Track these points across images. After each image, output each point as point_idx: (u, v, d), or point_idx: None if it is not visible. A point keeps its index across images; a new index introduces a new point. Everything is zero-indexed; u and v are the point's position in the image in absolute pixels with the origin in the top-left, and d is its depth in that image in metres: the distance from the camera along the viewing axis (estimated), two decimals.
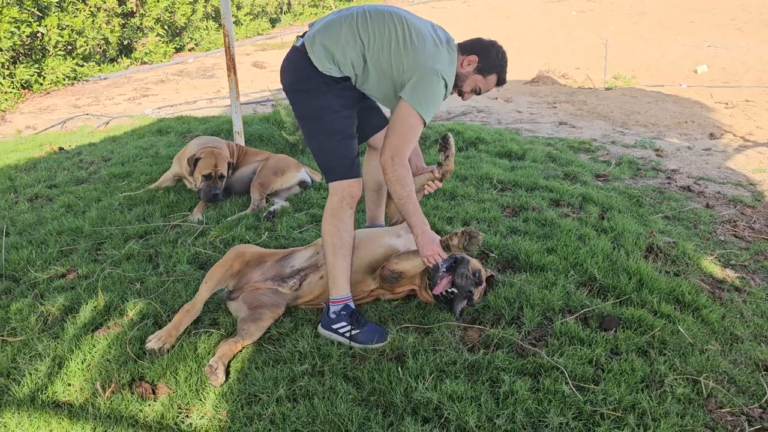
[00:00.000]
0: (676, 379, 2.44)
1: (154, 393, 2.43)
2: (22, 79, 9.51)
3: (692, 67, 10.17)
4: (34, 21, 9.58)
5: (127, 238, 3.79)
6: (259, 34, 16.29)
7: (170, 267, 3.40)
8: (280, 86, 2.89)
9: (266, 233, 3.77)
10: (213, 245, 3.65)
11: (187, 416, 2.31)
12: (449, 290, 2.80)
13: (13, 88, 9.26)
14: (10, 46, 9.07)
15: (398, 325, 2.82)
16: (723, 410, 2.31)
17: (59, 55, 10.25)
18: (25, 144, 6.68)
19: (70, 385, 2.48)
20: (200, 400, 2.38)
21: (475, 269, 2.90)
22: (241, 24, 15.83)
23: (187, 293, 3.08)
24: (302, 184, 4.57)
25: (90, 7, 10.86)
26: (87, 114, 8.30)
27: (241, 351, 2.63)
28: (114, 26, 11.41)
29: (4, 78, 9.09)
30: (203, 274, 3.24)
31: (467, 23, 15.84)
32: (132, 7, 11.96)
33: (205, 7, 13.88)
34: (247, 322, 2.71)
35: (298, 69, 2.74)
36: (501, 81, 2.91)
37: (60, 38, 10.06)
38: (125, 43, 12.10)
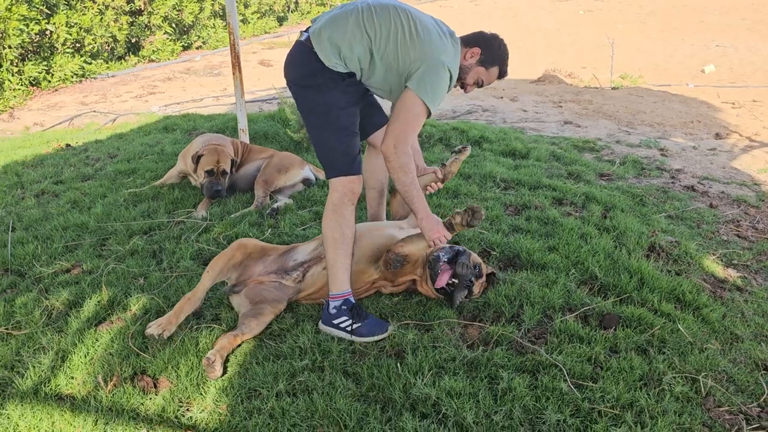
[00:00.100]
0: (674, 377, 2.44)
1: (155, 387, 2.45)
2: (31, 77, 9.58)
3: (700, 66, 10.13)
4: (43, 18, 9.65)
5: (131, 234, 3.82)
6: (266, 33, 16.33)
7: (173, 263, 3.43)
8: (286, 84, 2.90)
9: (269, 230, 3.79)
10: (216, 241, 3.67)
11: (187, 410, 2.33)
12: (450, 282, 2.83)
13: (21, 85, 9.33)
14: (19, 44, 9.14)
15: (398, 321, 2.83)
16: (721, 409, 2.31)
17: (67, 52, 10.32)
18: (32, 140, 6.74)
19: (72, 378, 2.51)
20: (201, 394, 2.40)
21: (476, 262, 2.92)
22: (249, 22, 15.88)
23: (190, 288, 3.09)
24: (306, 181, 4.59)
25: (98, 4, 10.92)
26: (94, 111, 8.36)
27: (240, 345, 2.65)
28: (122, 24, 11.47)
29: (12, 75, 9.16)
30: (204, 269, 3.27)
31: (474, 22, 15.82)
32: (140, 5, 12.02)
33: (212, 5, 13.93)
34: (248, 317, 2.73)
35: (303, 63, 2.74)
36: (503, 73, 2.94)
37: (68, 36, 10.13)
38: (133, 41, 12.17)
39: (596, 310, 2.88)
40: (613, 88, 8.90)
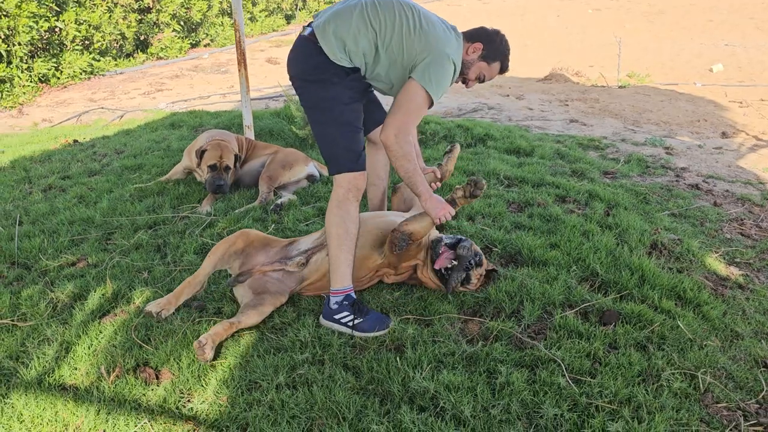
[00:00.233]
0: (673, 373, 2.44)
1: (157, 378, 2.48)
2: (40, 73, 9.66)
3: (708, 65, 10.08)
4: (52, 16, 9.72)
5: (136, 229, 3.85)
6: (274, 31, 16.38)
7: (177, 257, 3.46)
8: (289, 80, 2.91)
9: (273, 225, 3.81)
10: (220, 236, 3.69)
11: (188, 401, 2.36)
12: (449, 265, 2.88)
13: (30, 81, 9.41)
14: (29, 41, 9.21)
15: (399, 316, 2.85)
16: (719, 405, 2.31)
17: (76, 49, 10.39)
18: (40, 136, 6.80)
19: (76, 369, 2.54)
20: (202, 385, 2.43)
21: (477, 251, 2.96)
22: (257, 20, 15.94)
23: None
24: (310, 177, 4.61)
25: (107, 2, 10.99)
26: (102, 108, 8.42)
27: (236, 334, 2.68)
28: (130, 21, 11.54)
29: (22, 72, 9.23)
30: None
31: (482, 21, 15.79)
32: (148, 3, 12.09)
33: (220, 3, 14.00)
34: (247, 307, 2.77)
35: (307, 58, 2.74)
36: (504, 68, 2.95)
37: (77, 33, 10.20)
38: (141, 38, 12.24)
39: (596, 306, 2.89)
40: (620, 87, 8.87)
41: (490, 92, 8.75)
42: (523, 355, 2.54)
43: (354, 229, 2.80)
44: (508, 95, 8.57)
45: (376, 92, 3.04)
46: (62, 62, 10.06)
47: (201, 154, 4.32)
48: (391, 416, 2.22)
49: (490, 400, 2.28)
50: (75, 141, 6.33)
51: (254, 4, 15.96)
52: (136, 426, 2.22)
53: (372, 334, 2.70)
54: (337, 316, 2.75)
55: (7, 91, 8.89)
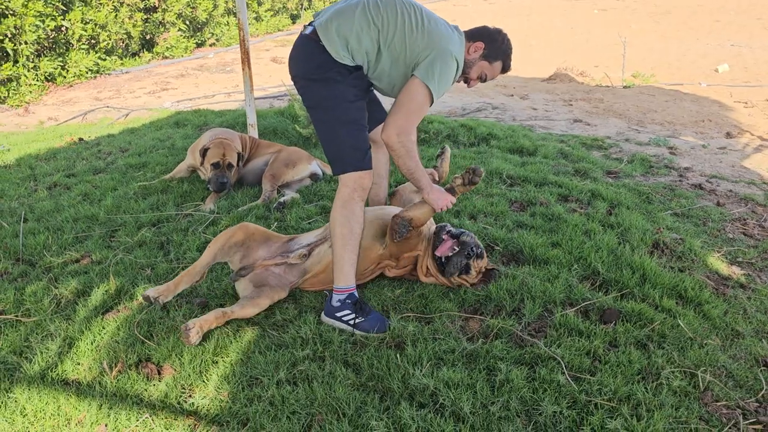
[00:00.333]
0: (673, 371, 2.44)
1: (159, 373, 2.50)
2: (46, 72, 9.71)
3: (713, 66, 10.06)
4: (59, 15, 9.78)
5: (140, 226, 3.88)
6: (279, 30, 16.42)
7: (180, 254, 3.48)
8: (291, 80, 2.90)
9: (275, 223, 3.83)
10: None
11: (189, 396, 2.37)
12: (451, 253, 2.92)
13: (37, 80, 9.46)
14: (35, 40, 9.26)
15: (400, 314, 2.86)
16: (719, 403, 2.31)
17: (82, 48, 10.45)
18: (46, 134, 6.84)
19: (79, 364, 2.56)
20: (203, 381, 2.44)
21: (479, 244, 3.00)
22: (262, 20, 15.97)
23: None
24: (313, 176, 4.63)
25: (113, 1, 11.04)
26: (107, 106, 8.46)
27: (237, 330, 2.70)
28: (136, 21, 11.59)
29: (28, 71, 9.29)
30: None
31: (488, 21, 15.77)
32: (154, 2, 12.14)
33: (226, 2, 14.03)
34: (244, 299, 2.80)
35: (310, 57, 2.73)
36: (506, 68, 2.95)
37: (83, 32, 10.25)
38: (147, 37, 12.29)
39: (597, 305, 2.89)
40: (625, 87, 8.86)
41: (495, 92, 8.75)
42: (523, 352, 2.55)
43: (358, 229, 2.79)
44: (512, 95, 8.57)
45: (375, 92, 3.05)
46: (68, 61, 10.12)
47: (204, 152, 4.34)
48: (391, 412, 2.23)
49: (490, 397, 2.29)
50: (80, 139, 6.37)
51: (260, 4, 16.00)
52: (137, 420, 2.24)
53: (371, 335, 2.71)
54: (338, 314, 2.76)
55: (14, 89, 8.95)
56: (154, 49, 12.36)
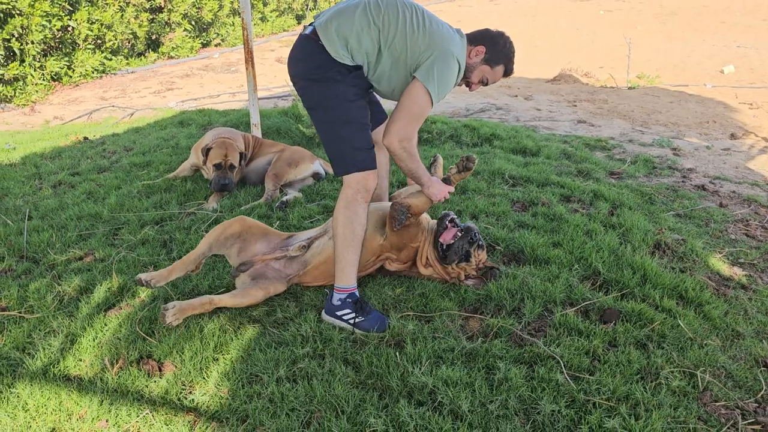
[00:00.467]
0: (672, 371, 2.45)
1: (160, 370, 2.52)
2: (53, 72, 9.77)
3: (719, 67, 10.03)
4: (65, 15, 9.83)
5: (143, 224, 3.90)
6: (284, 31, 16.45)
7: (183, 253, 3.48)
8: (290, 80, 2.90)
9: (278, 222, 3.85)
10: None
11: (190, 392, 2.39)
12: (453, 241, 2.97)
13: (43, 80, 9.52)
14: (42, 39, 9.32)
15: (400, 312, 2.87)
16: (718, 404, 2.31)
17: (89, 48, 10.50)
18: (51, 133, 6.88)
19: (81, 360, 2.58)
20: (203, 378, 2.46)
21: (481, 238, 3.05)
22: (268, 20, 16.01)
23: (197, 278, 3.17)
24: (316, 175, 4.64)
25: (119, 1, 11.10)
26: (113, 106, 8.50)
27: (239, 328, 2.71)
28: (142, 21, 11.64)
29: (35, 70, 9.34)
30: (214, 260, 3.35)
31: (493, 22, 15.79)
32: (160, 3, 12.19)
33: (231, 3, 14.07)
34: (237, 289, 2.85)
35: (309, 57, 2.72)
36: (508, 72, 2.93)
37: (89, 32, 10.30)
38: (153, 37, 12.34)
39: (597, 305, 2.89)
40: (630, 88, 8.85)
41: (499, 92, 8.75)
42: (522, 351, 2.56)
43: (361, 231, 2.80)
44: (516, 96, 8.57)
45: (377, 95, 3.05)
46: (74, 61, 10.17)
47: (206, 152, 4.36)
48: (389, 410, 2.24)
49: (488, 396, 2.30)
50: (85, 138, 6.41)
51: (265, 4, 16.03)
52: (138, 416, 2.26)
53: (371, 333, 2.72)
54: (339, 313, 2.77)
55: (20, 89, 9.01)
56: (159, 49, 12.41)
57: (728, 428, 2.19)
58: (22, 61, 9.12)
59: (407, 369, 2.43)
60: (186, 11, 12.61)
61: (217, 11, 13.59)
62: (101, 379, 2.45)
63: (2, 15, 8.71)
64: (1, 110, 8.62)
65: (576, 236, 3.53)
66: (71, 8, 10.05)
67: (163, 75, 10.94)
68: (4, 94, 8.84)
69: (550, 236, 3.58)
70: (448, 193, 2.96)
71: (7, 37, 8.75)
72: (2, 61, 8.87)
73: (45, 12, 9.18)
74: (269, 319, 2.82)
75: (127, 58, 11.57)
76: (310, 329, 2.72)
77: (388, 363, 2.48)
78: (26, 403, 2.32)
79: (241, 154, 4.44)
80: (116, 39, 11.11)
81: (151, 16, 12.02)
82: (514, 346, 2.60)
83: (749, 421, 2.23)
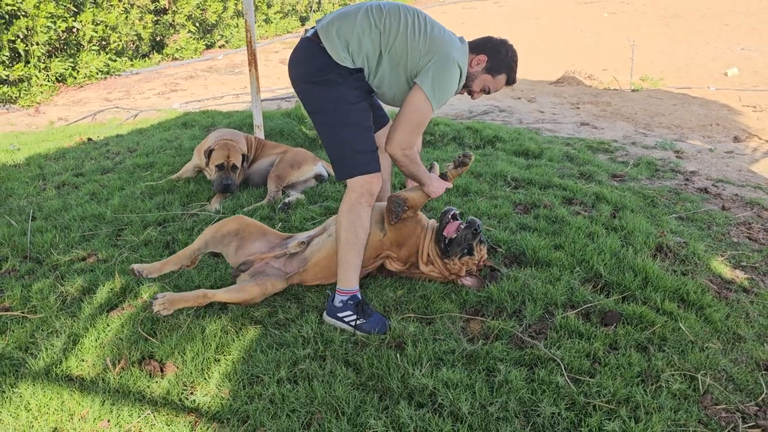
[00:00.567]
0: (673, 374, 2.45)
1: (161, 371, 2.53)
2: (57, 73, 9.81)
3: (723, 69, 10.01)
4: (70, 16, 9.87)
5: (146, 225, 3.91)
6: (288, 32, 16.48)
7: None
8: (291, 83, 2.89)
9: (280, 224, 3.86)
10: None
11: (191, 393, 2.40)
12: (455, 234, 2.99)
13: (48, 81, 9.56)
14: (46, 41, 9.36)
15: (401, 314, 2.87)
16: (718, 407, 2.31)
17: (93, 50, 10.54)
18: (56, 134, 6.91)
19: (83, 360, 2.59)
20: (205, 379, 2.47)
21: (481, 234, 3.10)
22: (271, 22, 16.04)
23: (200, 278, 3.18)
24: (318, 177, 4.65)
25: (124, 3, 11.14)
26: (117, 107, 8.54)
27: (240, 329, 2.72)
28: (147, 23, 11.68)
29: (39, 71, 9.39)
30: (216, 261, 3.36)
31: (496, 24, 15.80)
32: (165, 4, 12.22)
33: (236, 4, 14.11)
34: (233, 285, 2.90)
35: (310, 60, 2.72)
36: (510, 81, 2.92)
37: (94, 33, 10.35)
38: (157, 39, 12.38)
39: (598, 307, 2.89)
40: (633, 90, 8.84)
41: (502, 95, 8.75)
42: (522, 354, 2.56)
43: (364, 235, 2.80)
44: (519, 98, 8.57)
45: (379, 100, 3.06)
46: (79, 62, 10.21)
47: (209, 153, 4.38)
48: (390, 412, 2.25)
49: (488, 398, 2.30)
50: (89, 139, 6.43)
51: (269, 6, 16.07)
52: (139, 417, 2.27)
53: (372, 335, 2.72)
54: (340, 314, 2.77)
55: (25, 90, 9.05)
56: (163, 51, 12.45)
57: (728, 431, 2.19)
58: (27, 62, 9.17)
59: (408, 371, 2.44)
60: (190, 13, 12.65)
61: (221, 13, 13.63)
62: (103, 380, 2.46)
63: (7, 16, 8.76)
64: (6, 111, 8.67)
65: (578, 239, 3.53)
66: (76, 10, 10.09)
67: (167, 76, 10.98)
68: (9, 95, 8.89)
69: (551, 238, 3.58)
70: (445, 188, 3.01)
71: (13, 38, 8.80)
72: (7, 62, 8.92)
73: (50, 13, 9.23)
74: (271, 320, 2.83)
75: (131, 60, 11.61)
76: (311, 330, 2.73)
77: (389, 365, 2.48)
78: (28, 403, 2.33)
79: (243, 155, 4.45)
80: (121, 40, 11.15)
81: (155, 18, 12.06)
82: (515, 349, 2.61)
83: (750, 424, 2.23)
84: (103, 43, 10.88)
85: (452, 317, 2.85)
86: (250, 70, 5.21)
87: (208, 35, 13.70)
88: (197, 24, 13.16)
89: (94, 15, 10.30)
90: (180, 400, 2.36)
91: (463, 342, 2.64)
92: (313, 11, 18.32)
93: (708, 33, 13.74)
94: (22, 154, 5.87)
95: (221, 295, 2.83)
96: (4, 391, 2.39)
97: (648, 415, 2.21)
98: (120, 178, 4.87)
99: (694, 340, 2.66)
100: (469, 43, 2.85)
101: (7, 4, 8.58)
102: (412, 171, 2.85)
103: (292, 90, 8.76)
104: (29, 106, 8.88)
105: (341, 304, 2.78)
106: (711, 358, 2.55)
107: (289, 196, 4.32)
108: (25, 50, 9.03)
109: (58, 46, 10.07)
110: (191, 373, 2.49)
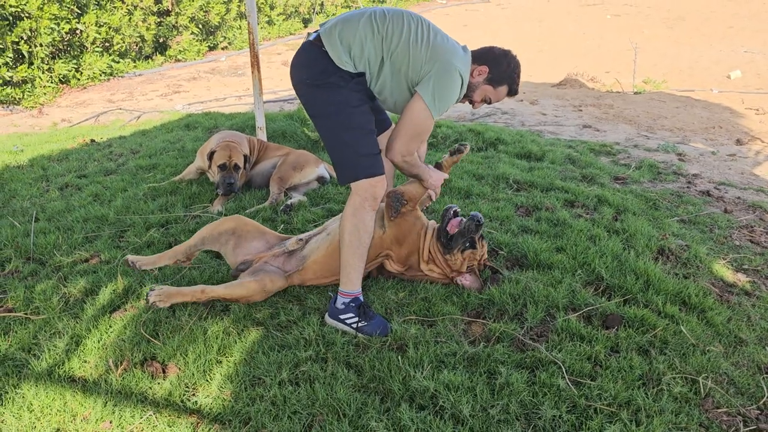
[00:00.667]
0: (674, 378, 2.45)
1: (164, 372, 2.53)
2: (60, 74, 9.83)
3: (726, 72, 10.00)
4: (73, 18, 9.90)
5: (148, 227, 3.92)
6: (291, 34, 16.50)
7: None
8: (293, 87, 2.88)
9: (282, 226, 3.87)
10: None
11: (193, 395, 2.41)
12: (458, 229, 3.02)
13: (51, 82, 9.59)
14: (50, 42, 9.39)
15: (403, 316, 2.88)
16: (719, 410, 2.31)
17: (96, 51, 10.56)
18: (59, 136, 6.93)
19: (85, 361, 2.60)
20: (207, 380, 2.48)
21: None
22: (274, 24, 16.06)
23: (202, 279, 3.19)
24: (320, 179, 4.66)
25: (127, 5, 11.16)
26: (120, 108, 8.56)
27: (242, 331, 2.73)
28: (150, 24, 11.71)
29: (43, 73, 9.41)
30: (219, 262, 3.37)
31: (499, 26, 15.81)
32: (168, 6, 12.25)
33: (238, 6, 14.13)
34: (233, 281, 2.93)
35: (312, 63, 2.72)
36: (512, 92, 2.92)
37: (97, 35, 10.37)
38: (160, 40, 12.40)
39: (600, 310, 2.90)
40: (636, 93, 8.84)
41: None
42: (524, 356, 2.56)
43: (367, 239, 2.80)
44: (521, 100, 8.57)
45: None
46: (82, 63, 10.24)
47: (211, 155, 4.40)
48: (391, 414, 2.25)
49: (490, 400, 2.30)
50: (92, 141, 6.45)
51: (272, 8, 16.08)
52: (141, 418, 2.27)
53: (373, 337, 2.72)
54: (342, 316, 2.78)
55: (29, 91, 9.08)
56: (166, 53, 12.47)
57: None
58: (31, 63, 9.19)
59: (409, 373, 2.44)
60: (193, 15, 12.67)
61: (224, 15, 13.64)
62: (105, 381, 2.46)
63: (11, 18, 8.79)
64: (9, 112, 8.69)
65: (579, 241, 3.53)
66: (79, 11, 10.12)
67: (170, 78, 11.00)
68: (12, 97, 8.91)
69: (553, 241, 3.58)
70: (443, 178, 3.05)
71: (16, 39, 8.83)
72: (11, 64, 8.95)
73: (54, 15, 9.25)
74: (272, 322, 2.84)
75: (134, 61, 11.64)
76: (313, 333, 2.73)
77: (390, 367, 2.49)
78: (31, 404, 2.34)
79: (245, 156, 4.46)
80: (124, 42, 11.17)
81: (158, 20, 12.08)
82: (516, 351, 2.61)
83: (751, 428, 2.23)
84: (107, 44, 10.91)
85: (454, 320, 2.85)
86: (252, 72, 5.23)
87: (210, 37, 13.72)
88: (200, 26, 13.18)
89: (97, 16, 10.33)
90: (182, 401, 2.37)
91: (464, 344, 2.65)
92: (316, 13, 18.34)
93: (711, 36, 13.73)
94: (26, 155, 5.89)
95: (220, 290, 2.86)
96: (7, 392, 2.40)
97: (649, 419, 2.22)
98: (123, 180, 4.89)
99: (695, 344, 2.66)
100: (472, 52, 2.84)
101: (11, 6, 8.61)
102: (413, 172, 2.92)
103: (294, 92, 8.77)
104: (32, 107, 8.90)
105: (343, 306, 2.79)
106: (712, 361, 2.55)
107: (291, 198, 4.33)
108: (28, 52, 9.06)
109: (61, 47, 10.09)
110: (193, 374, 2.50)
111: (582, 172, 4.98)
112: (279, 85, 10.02)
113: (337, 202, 4.26)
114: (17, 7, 8.69)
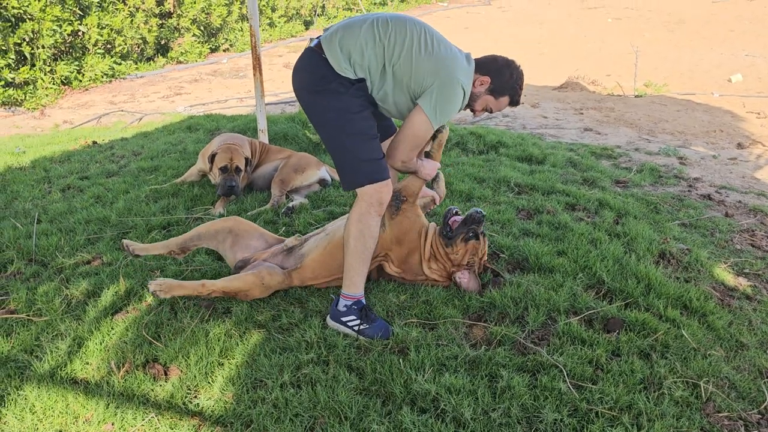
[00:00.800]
0: (675, 381, 2.45)
1: (165, 374, 2.54)
2: (63, 76, 9.84)
3: (727, 76, 10.01)
4: (76, 20, 9.92)
5: (150, 229, 3.93)
6: (292, 36, 16.51)
7: (189, 257, 3.51)
8: (294, 93, 2.89)
9: (283, 228, 3.87)
10: None
11: (195, 397, 2.41)
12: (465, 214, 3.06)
13: (53, 84, 9.60)
14: (52, 44, 9.40)
15: (404, 319, 2.88)
16: (721, 414, 2.32)
17: (98, 53, 10.58)
18: (61, 137, 6.93)
19: (87, 363, 2.60)
20: (209, 382, 2.48)
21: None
22: (276, 26, 16.07)
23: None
24: (322, 182, 4.67)
25: (129, 7, 11.18)
26: (122, 110, 8.57)
27: (244, 333, 2.74)
28: (152, 26, 11.72)
29: (45, 74, 9.42)
30: (220, 264, 3.38)
31: (500, 29, 15.83)
32: (169, 8, 12.27)
33: (240, 8, 14.15)
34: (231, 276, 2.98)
35: (312, 69, 2.72)
36: (514, 103, 2.93)
37: (99, 37, 10.39)
38: (162, 42, 12.42)
39: (601, 314, 2.90)
40: (637, 96, 8.84)
41: None
42: (525, 360, 2.57)
43: (372, 244, 2.81)
44: (522, 103, 8.58)
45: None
46: (84, 65, 10.25)
47: (212, 158, 4.40)
48: (392, 417, 2.26)
49: (491, 404, 2.31)
50: (94, 142, 6.46)
51: (273, 10, 16.10)
52: (143, 420, 2.28)
53: (374, 340, 2.73)
54: (344, 319, 2.79)
55: (31, 93, 9.09)
56: (168, 54, 12.49)
57: None
58: (33, 65, 9.21)
59: (410, 376, 2.45)
60: (195, 17, 12.69)
61: (226, 17, 13.66)
62: (107, 383, 2.47)
63: (14, 19, 8.80)
64: (11, 114, 8.71)
65: (581, 245, 3.54)
66: (82, 13, 10.13)
67: (171, 80, 11.02)
68: (14, 98, 8.93)
69: (554, 244, 3.59)
70: (436, 168, 3.07)
71: (18, 41, 8.84)
72: (13, 65, 8.96)
73: (56, 17, 9.27)
74: (274, 325, 2.85)
75: (136, 63, 11.65)
76: (314, 335, 2.74)
77: (392, 370, 2.49)
78: (33, 406, 2.34)
79: (246, 158, 4.47)
80: (126, 44, 11.19)
81: (160, 22, 12.10)
82: (518, 355, 2.61)
83: None
84: (108, 46, 10.92)
85: (455, 323, 2.85)
86: (254, 74, 5.24)
87: (212, 39, 13.74)
88: (202, 28, 13.20)
89: (99, 18, 10.34)
90: (184, 403, 2.37)
91: (465, 348, 2.65)
92: (318, 15, 18.36)
93: (712, 39, 13.75)
94: (28, 157, 5.90)
95: (219, 284, 2.93)
96: (10, 394, 2.40)
97: (650, 422, 2.22)
98: (125, 182, 4.90)
99: (696, 348, 2.67)
100: (476, 60, 2.83)
101: (13, 7, 8.63)
102: (410, 170, 2.98)
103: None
104: (35, 108, 8.92)
105: (345, 309, 2.79)
106: (714, 365, 2.56)
107: (292, 201, 4.34)
108: (30, 53, 9.07)
109: (63, 49, 10.11)
110: (195, 376, 2.50)
111: (583, 176, 4.99)
112: (280, 87, 10.03)
113: (338, 205, 4.26)
114: (20, 8, 8.71)
